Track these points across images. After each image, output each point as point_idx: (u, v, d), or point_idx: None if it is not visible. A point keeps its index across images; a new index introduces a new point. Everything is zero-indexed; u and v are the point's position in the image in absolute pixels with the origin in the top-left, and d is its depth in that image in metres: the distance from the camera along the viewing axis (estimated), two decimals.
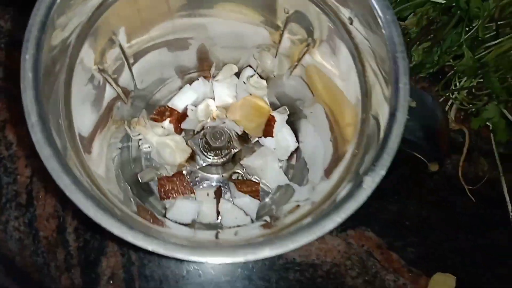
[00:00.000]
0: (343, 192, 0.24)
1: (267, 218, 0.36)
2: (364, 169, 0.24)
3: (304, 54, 0.35)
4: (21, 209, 0.47)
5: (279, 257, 0.49)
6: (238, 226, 0.37)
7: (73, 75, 0.26)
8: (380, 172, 0.23)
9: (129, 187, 0.38)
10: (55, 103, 0.25)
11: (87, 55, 0.28)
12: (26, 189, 0.47)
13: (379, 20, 0.25)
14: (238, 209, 0.39)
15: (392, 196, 0.52)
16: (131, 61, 0.35)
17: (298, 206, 0.32)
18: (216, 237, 0.29)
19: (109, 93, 0.34)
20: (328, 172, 0.32)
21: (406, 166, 0.31)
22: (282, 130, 0.42)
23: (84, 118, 0.29)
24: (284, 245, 0.22)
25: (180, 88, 0.42)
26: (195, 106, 0.40)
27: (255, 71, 0.42)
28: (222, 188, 0.42)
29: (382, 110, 0.25)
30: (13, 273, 0.46)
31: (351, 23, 0.28)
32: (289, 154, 0.43)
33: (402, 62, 0.24)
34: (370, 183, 0.23)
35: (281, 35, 0.35)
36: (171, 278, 0.47)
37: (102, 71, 0.30)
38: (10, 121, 0.48)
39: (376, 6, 0.25)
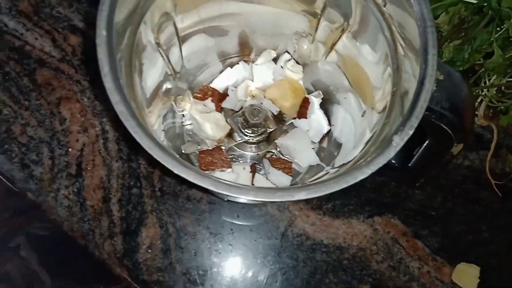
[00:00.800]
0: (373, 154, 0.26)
1: None
2: (394, 130, 0.26)
3: (338, 39, 0.38)
4: (71, 179, 0.51)
5: (307, 237, 0.51)
6: None
7: (136, 39, 0.30)
8: (408, 132, 0.25)
9: None
10: (124, 60, 0.28)
11: (147, 26, 0.31)
12: (77, 161, 0.51)
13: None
14: (271, 184, 0.41)
15: (420, 186, 0.53)
16: (182, 41, 0.39)
17: (327, 172, 0.34)
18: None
19: (161, 67, 0.37)
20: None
21: (433, 139, 0.33)
22: (315, 113, 0.44)
23: (147, 80, 0.32)
24: (319, 190, 0.24)
25: (221, 71, 0.46)
26: (236, 87, 0.44)
27: (292, 56, 0.45)
28: (256, 166, 0.45)
29: (411, 82, 0.27)
30: (61, 237, 0.50)
31: (384, 5, 0.30)
32: (321, 136, 0.45)
33: (431, 35, 0.27)
34: (398, 141, 0.25)
35: (318, 22, 0.38)
36: (205, 251, 0.50)
37: (158, 44, 0.34)
38: (65, 98, 0.53)
39: None
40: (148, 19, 0.31)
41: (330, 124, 0.46)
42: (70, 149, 0.51)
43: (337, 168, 0.36)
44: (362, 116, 0.37)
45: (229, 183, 0.25)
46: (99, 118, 0.53)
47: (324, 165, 0.43)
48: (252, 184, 0.42)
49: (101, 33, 0.25)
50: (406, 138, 0.25)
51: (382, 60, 0.32)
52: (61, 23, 0.55)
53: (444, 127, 0.29)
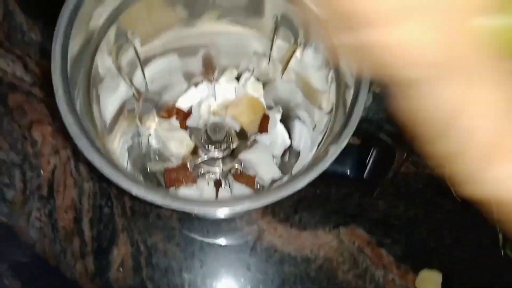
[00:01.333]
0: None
1: None
2: (330, 140, 0.28)
3: (291, 57, 0.40)
4: (42, 201, 0.52)
5: (275, 250, 0.53)
6: None
7: (93, 67, 0.32)
8: (343, 142, 0.27)
9: (139, 176, 0.43)
10: (82, 90, 0.30)
11: (105, 52, 0.33)
12: (48, 183, 0.52)
13: None
14: (230, 190, 0.43)
15: (382, 196, 0.55)
16: (144, 64, 0.41)
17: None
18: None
19: (124, 90, 0.39)
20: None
21: (379, 149, 0.35)
22: (276, 128, 0.47)
23: (107, 106, 0.34)
24: (264, 198, 0.26)
25: (186, 90, 0.48)
26: (199, 106, 0.46)
27: (252, 75, 0.48)
28: (222, 181, 0.47)
29: (349, 94, 0.30)
30: (32, 259, 0.51)
31: None
32: (283, 150, 0.47)
33: None
34: (333, 151, 0.27)
35: (272, 42, 0.41)
36: (175, 267, 0.51)
37: (119, 68, 0.36)
38: (37, 122, 0.54)
39: None
40: (104, 45, 0.33)
41: (290, 138, 0.48)
42: (41, 171, 0.53)
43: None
44: (313, 129, 0.39)
45: (170, 195, 0.26)
46: (70, 140, 0.54)
47: (285, 177, 0.45)
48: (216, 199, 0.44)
49: (56, 58, 0.27)
50: (339, 150, 0.27)
51: (324, 64, 0.34)
52: (33, 48, 0.57)
53: (382, 137, 0.31)
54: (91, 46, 0.31)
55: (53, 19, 0.57)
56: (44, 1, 0.56)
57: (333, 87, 0.34)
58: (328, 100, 0.34)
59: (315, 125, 0.40)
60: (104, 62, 0.35)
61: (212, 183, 0.45)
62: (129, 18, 0.34)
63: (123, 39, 0.35)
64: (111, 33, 0.33)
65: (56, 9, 0.58)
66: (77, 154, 0.54)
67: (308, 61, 0.39)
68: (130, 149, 0.43)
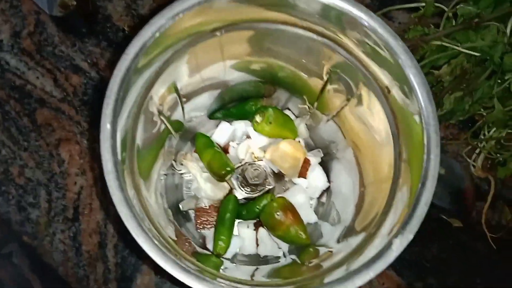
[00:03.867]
0: (372, 250, 0.27)
1: (296, 258, 0.39)
2: (394, 231, 0.26)
3: (343, 108, 0.38)
4: (67, 223, 0.51)
5: None
6: (275, 259, 0.40)
7: (140, 117, 0.30)
8: (408, 236, 0.25)
9: (170, 211, 0.42)
10: (125, 136, 0.29)
11: (152, 100, 0.31)
12: (74, 204, 0.51)
13: (414, 94, 0.27)
14: (273, 240, 0.42)
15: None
16: (184, 100, 0.39)
17: (330, 252, 0.34)
18: (252, 276, 0.32)
19: (163, 128, 0.37)
20: (357, 222, 0.35)
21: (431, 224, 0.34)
22: (315, 171, 0.45)
23: (145, 151, 0.33)
24: None
25: (218, 124, 0.46)
26: (237, 144, 0.44)
27: (294, 114, 0.45)
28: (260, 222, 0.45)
29: (413, 175, 0.28)
30: (55, 282, 0.50)
31: (388, 92, 0.30)
32: (320, 192, 0.45)
33: (434, 135, 0.27)
34: (398, 246, 0.25)
35: (324, 87, 0.38)
36: None
37: (160, 113, 0.34)
38: (64, 140, 0.52)
39: (414, 82, 0.27)
40: (153, 94, 0.31)
41: (329, 180, 0.46)
42: (67, 192, 0.51)
43: (337, 246, 0.36)
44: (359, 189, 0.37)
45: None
46: (98, 160, 0.52)
47: (323, 223, 0.44)
48: (257, 240, 0.42)
49: (106, 127, 0.25)
50: (405, 243, 0.25)
51: (385, 143, 0.32)
52: (63, 62, 0.55)
53: (443, 216, 0.29)
54: (140, 101, 0.29)
55: (83, 36, 0.55)
56: (76, 14, 0.54)
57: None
58: (386, 173, 0.32)
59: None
60: (149, 107, 0.33)
61: (252, 225, 0.43)
62: (176, 68, 0.32)
63: (169, 85, 0.33)
64: (159, 83, 0.31)
65: (89, 23, 0.55)
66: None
67: (360, 113, 0.37)
68: (164, 182, 0.41)
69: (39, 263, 0.49)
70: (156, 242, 0.25)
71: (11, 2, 0.56)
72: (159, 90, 0.32)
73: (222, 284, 0.25)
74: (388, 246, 0.25)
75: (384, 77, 0.31)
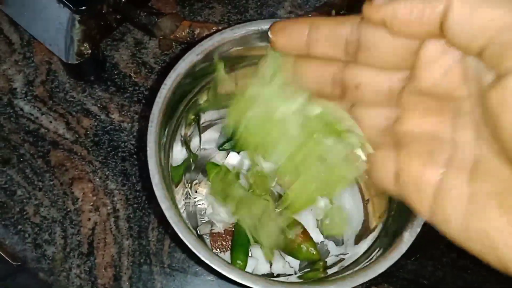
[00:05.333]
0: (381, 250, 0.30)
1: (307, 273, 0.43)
2: (402, 226, 0.30)
3: None
4: (82, 258, 0.52)
5: None
6: (286, 276, 0.43)
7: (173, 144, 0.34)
8: (417, 229, 0.29)
9: None
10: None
11: (181, 127, 0.36)
12: (88, 239, 0.53)
13: None
14: (284, 260, 0.45)
15: (411, 255, 0.57)
16: (202, 130, 0.43)
17: (341, 259, 0.38)
18: None
19: (184, 156, 0.41)
20: (359, 237, 0.39)
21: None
22: None
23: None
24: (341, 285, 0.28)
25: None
26: (246, 171, 0.48)
27: None
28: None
29: None
30: None
31: None
32: (324, 212, 0.49)
33: None
34: (409, 237, 0.29)
35: None
36: None
37: (185, 140, 0.38)
38: (77, 179, 0.55)
39: None
40: (183, 122, 0.35)
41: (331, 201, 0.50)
42: (82, 228, 0.54)
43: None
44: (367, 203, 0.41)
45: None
46: (110, 197, 0.55)
47: (329, 242, 0.47)
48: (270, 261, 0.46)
49: (152, 147, 0.29)
50: (415, 235, 0.29)
51: None
52: (75, 107, 0.59)
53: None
54: (175, 127, 0.34)
55: (92, 82, 0.59)
56: (86, 63, 0.59)
57: None
58: None
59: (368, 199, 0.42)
60: (179, 133, 0.37)
61: None
62: (202, 99, 0.36)
63: (193, 115, 0.38)
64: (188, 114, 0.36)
65: (98, 71, 0.60)
66: (117, 211, 0.55)
67: None
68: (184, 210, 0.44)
69: None
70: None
71: (24, 54, 0.61)
72: (187, 118, 0.36)
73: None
74: (399, 238, 0.29)
75: None
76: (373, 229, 0.36)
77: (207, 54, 0.33)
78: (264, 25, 0.34)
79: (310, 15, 0.61)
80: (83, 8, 0.47)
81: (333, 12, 0.65)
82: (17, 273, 0.52)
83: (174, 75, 0.31)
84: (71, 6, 0.47)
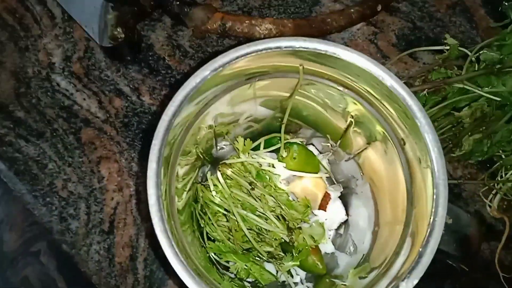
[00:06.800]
0: None
1: (311, 287, 0.42)
2: (401, 274, 0.29)
3: (363, 150, 0.41)
4: (103, 235, 0.55)
5: None
6: (292, 285, 0.43)
7: (179, 151, 0.34)
8: (414, 280, 0.28)
9: None
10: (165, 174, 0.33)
11: (190, 140, 0.35)
12: (110, 218, 0.55)
13: (428, 153, 0.30)
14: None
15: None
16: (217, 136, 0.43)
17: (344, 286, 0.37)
18: None
19: (196, 159, 0.41)
20: (371, 258, 0.38)
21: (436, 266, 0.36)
22: (334, 204, 0.48)
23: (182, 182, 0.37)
24: None
25: None
26: None
27: (317, 149, 0.49)
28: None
29: (422, 223, 0.30)
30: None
31: (404, 144, 0.34)
32: (337, 224, 0.49)
33: (442, 189, 0.30)
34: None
35: (345, 132, 0.42)
36: None
37: (196, 147, 0.38)
38: (105, 158, 0.57)
39: (428, 141, 0.30)
40: (191, 134, 0.35)
41: (347, 213, 0.49)
42: (105, 207, 0.56)
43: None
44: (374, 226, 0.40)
45: None
46: (134, 179, 0.57)
47: (340, 254, 0.47)
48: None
49: (152, 165, 0.29)
50: (411, 287, 0.28)
51: (400, 189, 0.35)
52: (108, 86, 0.60)
53: (449, 261, 0.32)
54: (181, 139, 0.34)
55: (129, 60, 0.60)
56: (123, 42, 0.59)
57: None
58: (398, 216, 0.35)
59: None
60: (188, 143, 0.37)
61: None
62: (214, 110, 0.36)
63: (207, 125, 0.37)
64: (198, 123, 0.35)
65: (133, 51, 0.60)
66: (139, 194, 0.56)
67: (379, 157, 0.40)
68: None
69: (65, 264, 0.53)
70: (190, 271, 0.29)
71: (65, 29, 0.62)
72: (199, 129, 0.36)
73: None
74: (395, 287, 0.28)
75: (400, 131, 0.34)
76: (374, 268, 0.35)
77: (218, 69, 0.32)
78: (284, 43, 0.33)
79: (352, 10, 0.58)
80: None
81: (379, 7, 0.61)
82: None
83: (184, 93, 0.31)
84: None
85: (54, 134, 0.58)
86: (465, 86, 0.57)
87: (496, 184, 0.58)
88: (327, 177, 0.50)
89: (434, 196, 0.30)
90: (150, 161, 0.30)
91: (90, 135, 0.58)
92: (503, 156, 0.58)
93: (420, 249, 0.29)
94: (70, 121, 0.58)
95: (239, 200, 0.41)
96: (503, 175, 0.58)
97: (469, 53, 0.58)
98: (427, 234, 0.29)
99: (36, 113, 0.59)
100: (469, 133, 0.58)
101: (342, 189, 0.48)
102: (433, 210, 0.29)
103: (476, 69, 0.58)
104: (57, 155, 0.57)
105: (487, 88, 0.56)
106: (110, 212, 0.56)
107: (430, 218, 0.30)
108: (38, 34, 0.61)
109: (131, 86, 0.60)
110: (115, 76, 0.60)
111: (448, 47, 0.60)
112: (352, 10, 0.57)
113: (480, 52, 0.58)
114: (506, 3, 0.63)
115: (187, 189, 0.40)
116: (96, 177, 0.57)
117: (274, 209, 0.41)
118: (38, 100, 0.59)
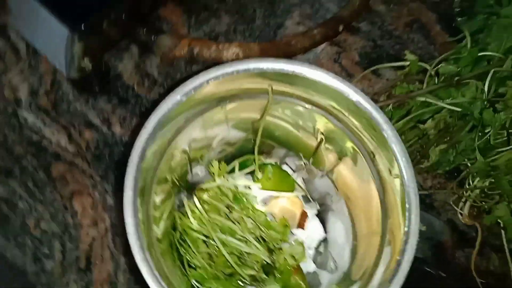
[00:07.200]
0: None
1: None
2: (383, 283, 0.30)
3: (336, 166, 0.42)
4: (80, 273, 0.53)
5: None
6: None
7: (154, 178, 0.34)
8: None
9: None
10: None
11: (164, 167, 0.35)
12: (86, 255, 0.54)
13: (396, 163, 0.31)
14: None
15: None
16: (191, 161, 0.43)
17: None
18: None
19: (171, 186, 0.41)
20: (352, 271, 0.38)
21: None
22: (311, 222, 0.48)
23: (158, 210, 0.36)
24: None
25: None
26: None
27: (291, 169, 0.50)
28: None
29: (397, 233, 0.31)
30: None
31: (373, 156, 0.35)
32: (317, 243, 0.49)
33: (413, 196, 0.31)
34: None
35: (316, 149, 0.43)
36: None
37: (172, 173, 0.38)
38: (77, 192, 0.56)
39: (396, 152, 0.32)
40: (165, 162, 0.35)
41: (325, 230, 0.49)
42: (80, 243, 0.54)
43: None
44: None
45: None
46: (109, 212, 0.56)
47: (322, 271, 0.47)
48: None
49: (128, 193, 0.29)
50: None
51: (373, 203, 0.36)
52: (77, 118, 0.59)
53: (426, 268, 0.32)
54: (156, 165, 0.34)
55: (97, 91, 0.59)
56: (90, 74, 0.59)
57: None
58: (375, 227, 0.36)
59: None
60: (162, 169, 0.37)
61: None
62: (186, 133, 0.36)
63: (180, 149, 0.37)
64: (172, 148, 0.35)
65: (101, 82, 0.60)
66: (115, 227, 0.55)
67: (351, 171, 0.41)
68: None
69: None
70: None
71: (30, 62, 0.61)
72: (173, 155, 0.36)
73: None
74: None
75: (369, 144, 0.35)
76: (355, 281, 0.36)
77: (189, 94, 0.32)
78: (252, 65, 0.34)
79: (315, 31, 0.60)
80: (81, 28, 0.47)
81: (341, 27, 0.63)
82: None
83: (156, 118, 0.31)
84: (69, 26, 0.47)
85: (23, 171, 0.57)
86: (427, 99, 0.59)
87: (465, 192, 0.60)
88: (303, 196, 0.50)
89: (407, 205, 0.31)
90: (125, 188, 0.29)
91: (61, 170, 0.57)
92: (469, 164, 0.61)
93: (398, 258, 0.30)
94: (40, 156, 0.57)
95: (218, 225, 0.41)
96: (471, 183, 0.60)
97: (429, 68, 0.61)
98: (403, 242, 0.30)
99: (4, 150, 0.57)
100: (435, 144, 0.60)
101: (318, 207, 0.49)
102: (406, 218, 0.30)
103: (436, 82, 0.60)
104: (27, 193, 0.56)
105: (448, 100, 0.59)
106: (86, 248, 0.55)
107: (405, 227, 0.30)
108: (1, 70, 0.61)
109: (100, 117, 0.60)
110: (84, 108, 0.60)
111: (408, 63, 0.62)
112: (315, 32, 0.59)
113: (439, 66, 0.61)
114: (459, 19, 0.67)
115: (165, 217, 0.40)
116: (69, 213, 0.56)
117: (253, 231, 0.42)
118: (5, 137, 0.58)
